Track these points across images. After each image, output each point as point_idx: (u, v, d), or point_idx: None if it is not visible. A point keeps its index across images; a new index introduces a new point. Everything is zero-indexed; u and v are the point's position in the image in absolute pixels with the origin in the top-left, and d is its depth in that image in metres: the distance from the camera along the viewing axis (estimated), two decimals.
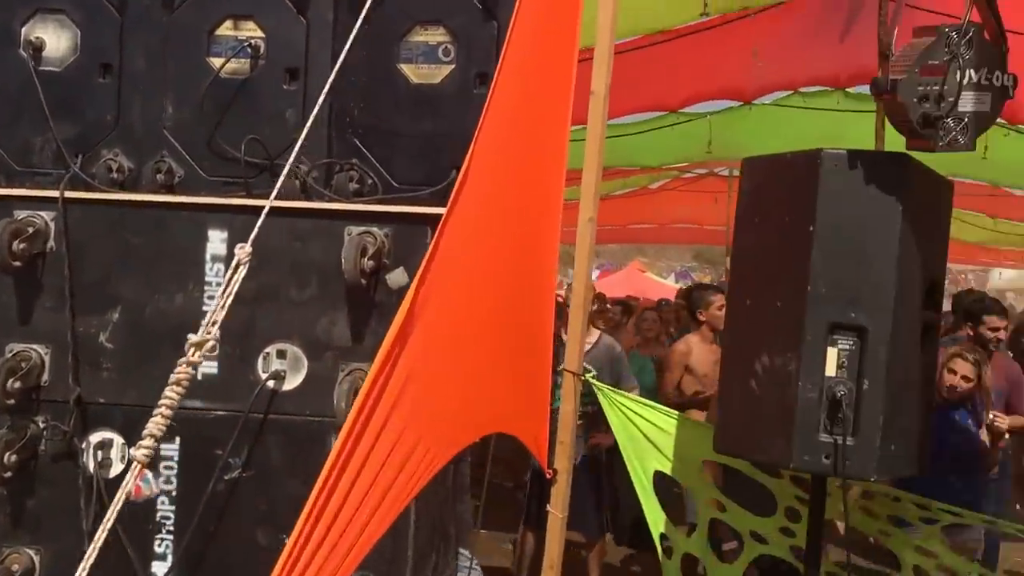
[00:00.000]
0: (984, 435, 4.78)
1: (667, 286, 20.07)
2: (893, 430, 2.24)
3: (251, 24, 2.36)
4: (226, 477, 2.25)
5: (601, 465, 5.46)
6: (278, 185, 2.02)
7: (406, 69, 2.33)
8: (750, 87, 6.81)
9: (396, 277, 2.27)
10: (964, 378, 4.38)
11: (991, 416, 5.09)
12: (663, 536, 2.96)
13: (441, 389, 2.14)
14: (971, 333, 5.49)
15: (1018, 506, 8.27)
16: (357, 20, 2.09)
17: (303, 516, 1.85)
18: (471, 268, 2.20)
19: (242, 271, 1.88)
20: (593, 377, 5.36)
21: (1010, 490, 5.70)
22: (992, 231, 12.13)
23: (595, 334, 5.46)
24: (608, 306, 8.42)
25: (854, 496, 2.93)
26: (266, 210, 1.96)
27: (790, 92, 7.01)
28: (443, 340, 2.11)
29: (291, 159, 2.05)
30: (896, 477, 2.39)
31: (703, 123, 7.65)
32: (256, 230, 1.92)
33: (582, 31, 2.59)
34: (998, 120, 6.75)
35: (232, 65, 2.33)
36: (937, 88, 2.06)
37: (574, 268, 2.99)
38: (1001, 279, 27.42)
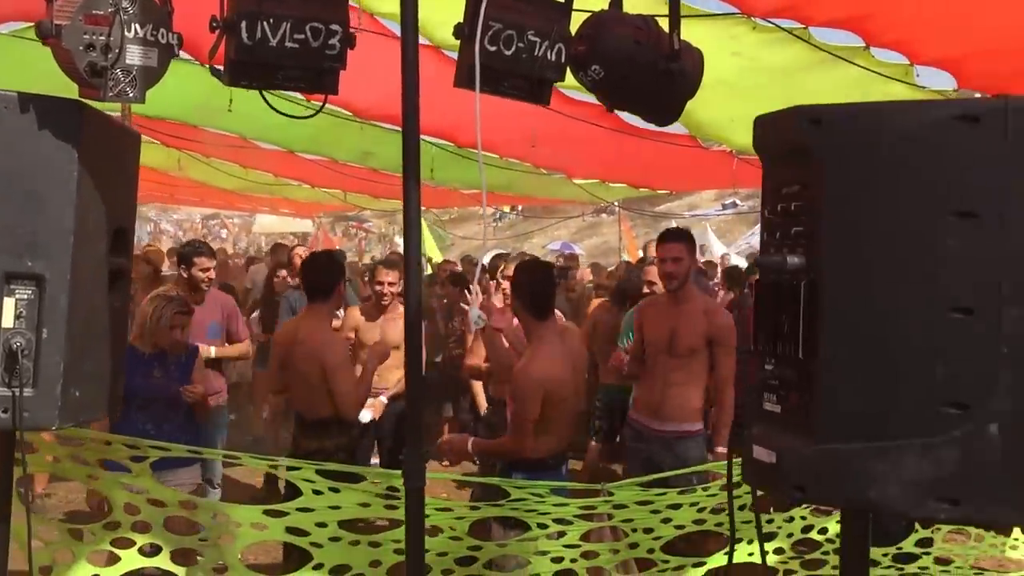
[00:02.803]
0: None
1: None
2: (76, 376, 2.26)
3: None
4: None
5: None
6: None
7: None
8: None
9: None
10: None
11: None
12: None
13: None
14: (184, 276, 5.84)
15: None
16: None
17: None
18: None
19: None
20: None
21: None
22: (244, 179, 13.04)
23: None
24: None
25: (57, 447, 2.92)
26: None
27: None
28: None
29: None
30: (83, 422, 2.42)
31: None
32: None
33: None
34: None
35: None
36: (103, 39, 2.10)
37: None
38: (259, 224, 29.97)
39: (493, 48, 2.33)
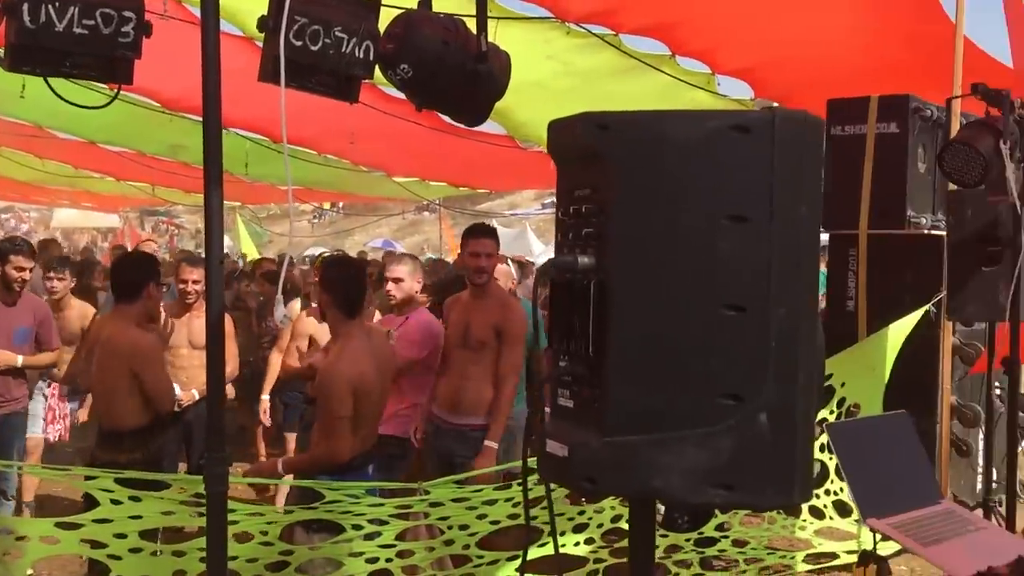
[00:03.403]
0: None
1: None
2: None
3: None
4: None
5: None
6: None
7: None
8: None
9: None
10: None
11: None
12: None
13: None
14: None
15: None
16: None
17: None
18: None
19: None
20: None
21: None
22: (41, 171, 12.23)
23: None
24: None
25: None
26: None
27: None
28: None
29: None
30: None
31: None
32: None
33: None
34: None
35: None
36: None
37: None
38: (58, 219, 28.15)
39: (299, 43, 2.29)
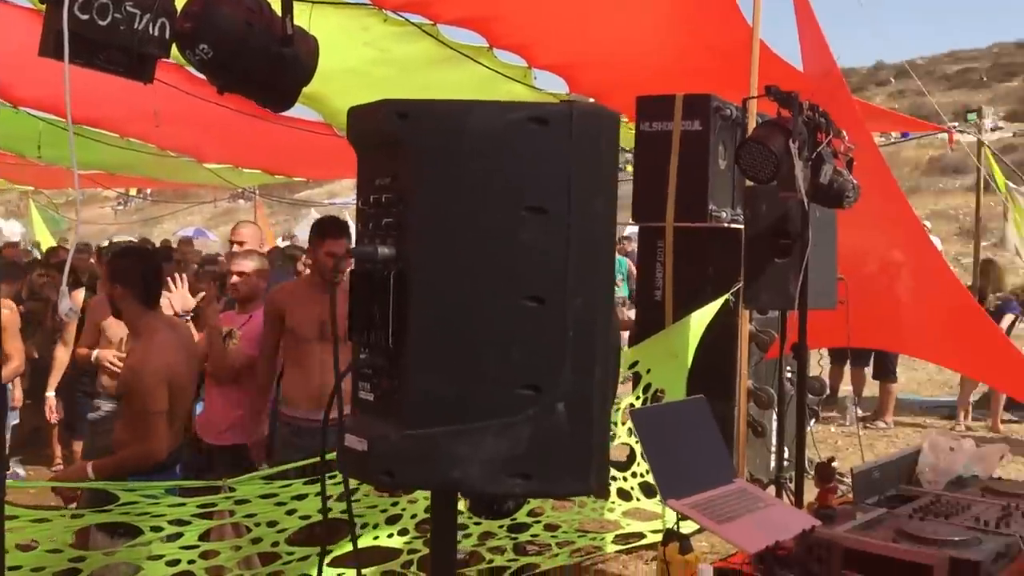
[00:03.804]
0: None
1: None
2: None
3: None
4: None
5: None
6: None
7: None
8: None
9: None
10: None
11: None
12: None
13: None
14: None
15: None
16: None
17: None
18: None
19: None
20: None
21: None
22: None
23: None
24: None
25: None
26: None
27: None
28: None
29: None
30: None
31: None
32: None
33: None
34: None
35: None
36: None
37: None
38: None
39: (85, 16, 2.13)
